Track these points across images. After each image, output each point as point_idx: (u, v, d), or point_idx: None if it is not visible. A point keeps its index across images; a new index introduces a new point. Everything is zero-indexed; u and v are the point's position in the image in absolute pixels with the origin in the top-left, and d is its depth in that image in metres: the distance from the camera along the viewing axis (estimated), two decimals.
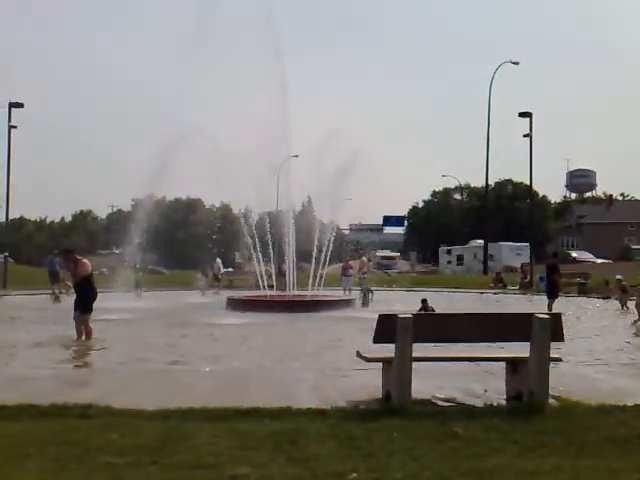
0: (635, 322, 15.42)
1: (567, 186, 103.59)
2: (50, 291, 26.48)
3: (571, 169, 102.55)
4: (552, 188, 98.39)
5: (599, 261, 53.65)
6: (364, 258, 32.24)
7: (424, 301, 16.55)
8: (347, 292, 25.81)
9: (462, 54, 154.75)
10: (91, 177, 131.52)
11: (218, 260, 32.46)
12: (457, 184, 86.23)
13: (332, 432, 5.01)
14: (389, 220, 76.32)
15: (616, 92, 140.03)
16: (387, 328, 5.98)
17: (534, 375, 5.99)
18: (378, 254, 74.14)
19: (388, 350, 6.07)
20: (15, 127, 32.86)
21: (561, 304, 17.59)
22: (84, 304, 11.85)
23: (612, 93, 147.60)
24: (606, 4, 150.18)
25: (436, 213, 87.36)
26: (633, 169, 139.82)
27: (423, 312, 14.72)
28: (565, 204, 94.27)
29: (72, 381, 7.80)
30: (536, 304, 20.52)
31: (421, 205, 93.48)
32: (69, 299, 20.99)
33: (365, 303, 21.75)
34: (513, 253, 54.42)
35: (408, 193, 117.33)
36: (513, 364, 6.51)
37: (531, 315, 6.15)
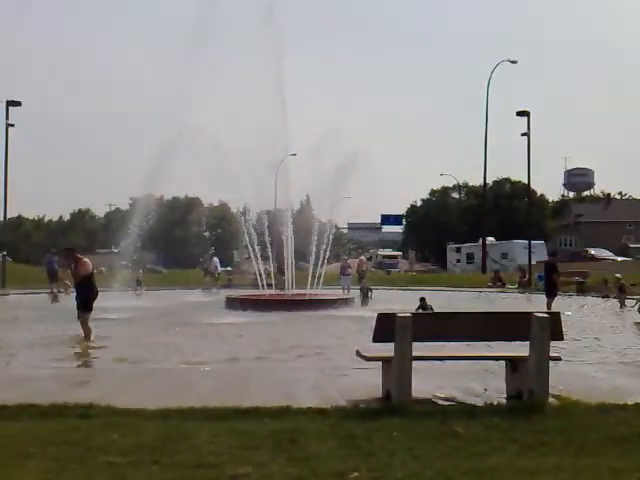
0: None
1: (565, 185, 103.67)
2: (49, 290, 26.45)
3: (569, 168, 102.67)
4: (550, 187, 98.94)
5: (620, 259, 51.98)
6: (362, 257, 32.30)
7: (422, 300, 16.58)
8: (346, 291, 25.83)
9: (461, 53, 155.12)
10: (89, 176, 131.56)
11: (215, 259, 32.47)
12: (455, 183, 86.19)
13: (332, 431, 5.02)
14: (387, 219, 76.24)
15: (615, 91, 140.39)
16: (386, 327, 5.99)
17: (534, 374, 6.00)
18: (380, 253, 73.89)
19: (388, 349, 6.08)
20: (13, 125, 32.82)
21: (558, 303, 17.59)
22: (84, 303, 11.87)
23: (611, 92, 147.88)
24: (606, 4, 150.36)
25: (434, 212, 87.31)
26: (631, 168, 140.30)
27: (421, 311, 14.76)
28: (563, 203, 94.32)
29: (73, 381, 7.80)
30: (535, 303, 20.55)
31: (419, 204, 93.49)
32: (68, 298, 21.02)
33: (364, 302, 21.78)
34: (527, 251, 53.54)
35: (406, 192, 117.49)
36: (513, 363, 6.52)
37: (530, 314, 6.17)
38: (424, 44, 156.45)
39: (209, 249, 30.56)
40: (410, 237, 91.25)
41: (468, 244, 62.09)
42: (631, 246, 63.76)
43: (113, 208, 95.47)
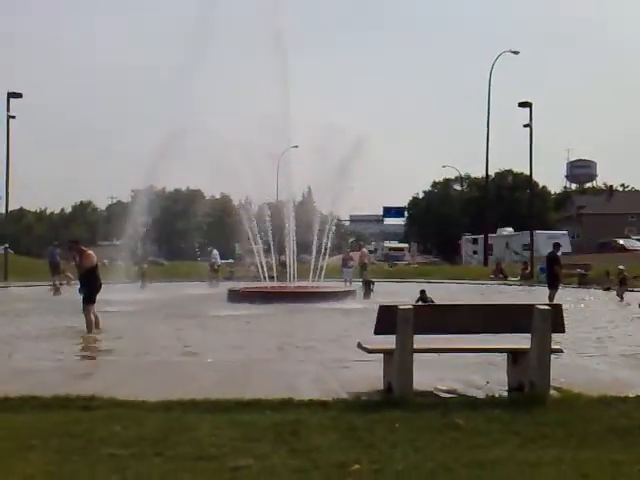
0: None
1: (567, 176, 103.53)
2: (51, 283, 26.49)
3: (571, 159, 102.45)
4: (552, 178, 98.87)
5: None
6: (364, 249, 32.26)
7: (422, 292, 16.60)
8: (348, 283, 25.84)
9: (464, 44, 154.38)
10: (91, 168, 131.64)
11: (215, 251, 32.43)
12: (457, 175, 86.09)
13: (334, 423, 5.03)
14: (389, 211, 76.10)
15: (617, 83, 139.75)
16: (388, 319, 5.99)
17: (535, 366, 6.00)
18: (386, 245, 73.59)
19: (389, 341, 6.08)
20: (14, 117, 32.78)
21: (558, 295, 17.57)
22: (88, 295, 11.95)
23: (613, 83, 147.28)
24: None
25: (436, 204, 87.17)
26: (633, 160, 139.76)
27: (421, 303, 14.76)
28: (565, 194, 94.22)
29: (75, 373, 7.82)
30: (537, 295, 20.53)
31: (421, 196, 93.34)
32: (70, 290, 21.05)
33: (366, 295, 21.79)
34: (550, 242, 51.40)
35: (408, 184, 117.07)
36: (514, 355, 6.52)
37: (532, 306, 6.16)
38: (426, 33, 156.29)
39: (210, 242, 30.52)
40: (412, 229, 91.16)
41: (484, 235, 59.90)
42: (633, 238, 63.53)
43: (115, 200, 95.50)
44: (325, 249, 24.10)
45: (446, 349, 7.23)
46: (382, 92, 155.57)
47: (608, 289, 22.88)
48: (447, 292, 22.22)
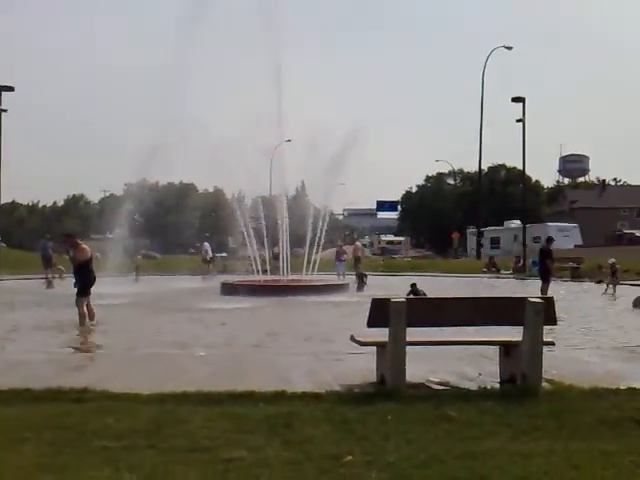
0: None
1: (560, 171, 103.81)
2: (43, 276, 26.41)
3: (564, 154, 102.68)
4: (545, 173, 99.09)
5: None
6: (358, 243, 32.31)
7: (413, 285, 16.62)
8: (341, 277, 25.85)
9: (464, 44, 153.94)
10: (84, 161, 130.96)
11: (206, 244, 32.33)
12: (450, 169, 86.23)
13: (327, 416, 5.04)
14: (383, 205, 76.21)
15: (610, 78, 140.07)
16: (381, 312, 6.00)
17: (527, 359, 6.03)
18: (383, 239, 73.53)
19: (382, 334, 6.09)
20: (5, 110, 32.57)
21: (551, 288, 17.64)
22: (82, 288, 11.98)
23: (606, 79, 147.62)
24: None
25: (429, 198, 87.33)
26: (626, 154, 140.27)
27: (412, 296, 14.77)
28: (558, 189, 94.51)
29: (67, 365, 7.80)
30: (529, 288, 20.61)
31: (415, 190, 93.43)
32: (62, 283, 21.00)
33: (360, 288, 21.83)
34: (561, 235, 48.04)
35: (402, 178, 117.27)
36: (506, 348, 6.55)
37: (524, 299, 6.18)
38: (426, 33, 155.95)
39: (202, 235, 30.48)
40: (405, 223, 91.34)
41: (491, 228, 58.70)
42: (626, 232, 63.75)
43: (107, 194, 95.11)
44: (318, 243, 24.12)
45: (438, 341, 7.26)
46: (382, 92, 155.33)
47: (600, 282, 22.99)
48: (441, 285, 22.26)
